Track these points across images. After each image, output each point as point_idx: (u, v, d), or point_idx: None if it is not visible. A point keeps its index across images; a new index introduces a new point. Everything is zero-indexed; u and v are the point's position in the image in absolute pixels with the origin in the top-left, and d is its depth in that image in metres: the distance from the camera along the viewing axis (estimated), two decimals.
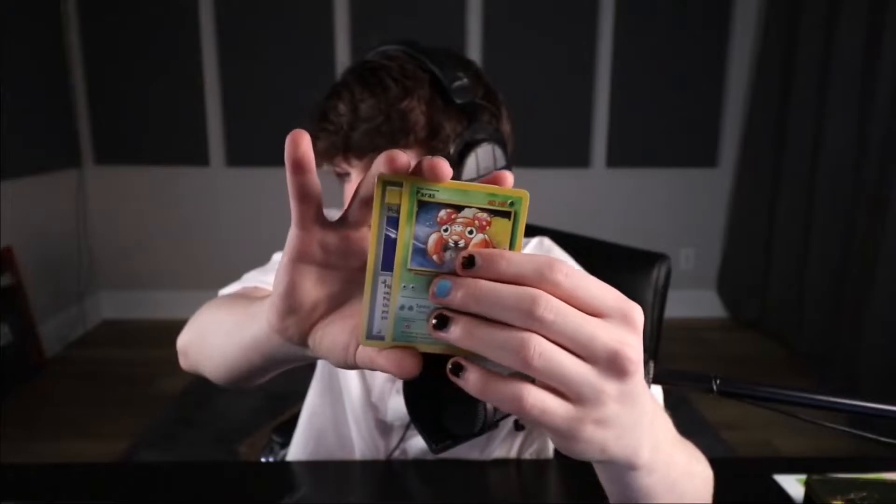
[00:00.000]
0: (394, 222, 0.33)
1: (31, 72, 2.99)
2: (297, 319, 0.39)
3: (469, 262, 0.32)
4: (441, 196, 0.33)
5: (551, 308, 0.31)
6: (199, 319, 0.67)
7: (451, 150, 0.73)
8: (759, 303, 3.44)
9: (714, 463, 0.52)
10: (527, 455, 0.90)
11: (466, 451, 0.85)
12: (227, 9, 3.26)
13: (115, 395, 2.68)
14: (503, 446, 0.88)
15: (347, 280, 0.38)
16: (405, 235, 0.33)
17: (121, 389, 2.73)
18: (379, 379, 0.89)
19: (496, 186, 0.33)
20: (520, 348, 0.31)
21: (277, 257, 0.89)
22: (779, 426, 2.35)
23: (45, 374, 2.86)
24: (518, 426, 0.76)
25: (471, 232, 0.33)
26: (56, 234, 3.25)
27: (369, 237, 0.34)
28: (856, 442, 2.14)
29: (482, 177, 0.74)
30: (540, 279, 0.32)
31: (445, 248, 0.33)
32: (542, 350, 0.31)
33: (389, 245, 0.33)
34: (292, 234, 0.37)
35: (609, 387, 0.33)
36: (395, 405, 0.87)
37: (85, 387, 2.76)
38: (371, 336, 0.35)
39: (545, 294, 0.31)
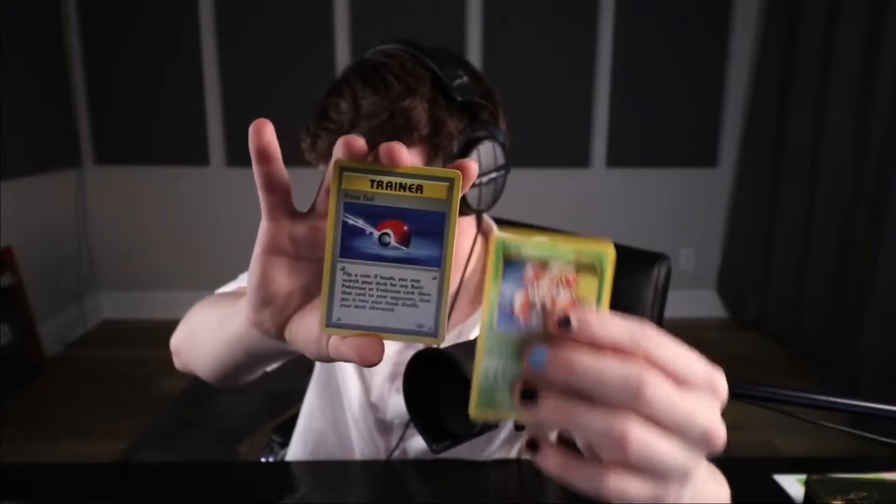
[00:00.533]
0: (351, 208, 0.33)
1: (31, 72, 2.99)
2: (272, 312, 0.39)
3: (565, 322, 0.31)
4: (527, 252, 0.31)
5: (657, 391, 0.30)
6: (191, 318, 0.67)
7: (454, 148, 0.73)
8: (759, 303, 3.44)
9: (714, 463, 0.51)
10: (527, 455, 0.89)
11: (466, 451, 0.84)
12: (227, 9, 3.26)
13: (115, 395, 2.68)
14: (503, 447, 0.88)
15: (319, 272, 0.38)
16: (491, 296, 0.32)
17: (121, 389, 2.73)
18: (378, 378, 0.88)
19: (581, 241, 0.31)
20: (620, 438, 0.30)
21: None
22: (779, 426, 2.35)
23: (45, 374, 2.86)
24: (518, 426, 0.76)
25: (558, 290, 0.32)
26: (56, 234, 3.25)
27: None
28: (856, 442, 2.14)
29: (484, 174, 0.74)
30: (635, 348, 0.31)
31: (531, 307, 0.32)
32: (642, 440, 0.30)
33: (347, 231, 0.33)
34: (262, 225, 0.37)
35: (696, 462, 0.32)
36: (395, 403, 0.87)
37: (85, 387, 2.75)
38: (330, 324, 0.35)
39: (652, 376, 0.30)
